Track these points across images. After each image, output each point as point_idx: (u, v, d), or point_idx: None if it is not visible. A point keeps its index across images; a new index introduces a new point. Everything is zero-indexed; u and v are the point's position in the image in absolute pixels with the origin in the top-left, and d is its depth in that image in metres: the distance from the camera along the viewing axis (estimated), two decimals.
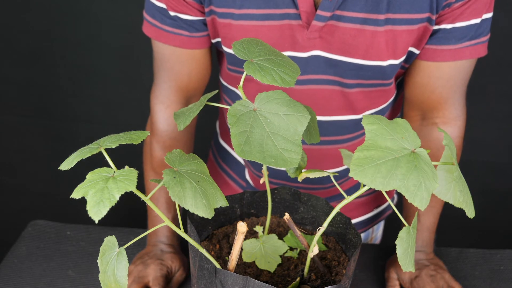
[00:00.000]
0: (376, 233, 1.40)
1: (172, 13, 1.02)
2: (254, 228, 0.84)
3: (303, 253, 0.84)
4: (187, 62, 1.08)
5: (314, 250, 0.74)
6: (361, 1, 0.94)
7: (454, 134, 1.10)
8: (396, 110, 1.22)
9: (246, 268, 0.81)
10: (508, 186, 2.06)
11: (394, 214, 1.39)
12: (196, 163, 0.69)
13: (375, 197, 1.30)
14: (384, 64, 1.00)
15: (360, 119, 1.05)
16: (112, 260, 0.65)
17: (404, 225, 0.67)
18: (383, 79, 1.04)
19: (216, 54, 1.18)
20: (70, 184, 0.80)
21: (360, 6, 0.95)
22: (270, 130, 0.67)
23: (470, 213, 0.68)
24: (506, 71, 1.84)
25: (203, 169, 0.69)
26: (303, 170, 0.81)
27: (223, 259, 0.82)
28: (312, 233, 0.90)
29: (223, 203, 0.68)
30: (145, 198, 0.65)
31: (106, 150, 0.65)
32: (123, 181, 0.61)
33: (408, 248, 0.66)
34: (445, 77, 1.04)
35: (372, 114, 1.09)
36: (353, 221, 1.28)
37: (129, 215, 1.71)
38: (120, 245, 0.66)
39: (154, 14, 1.04)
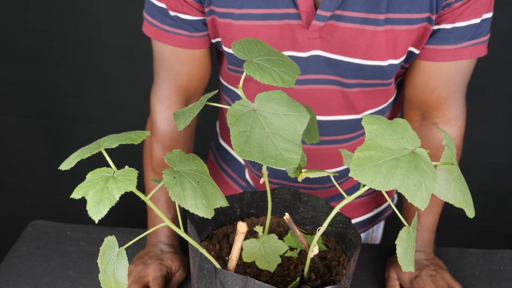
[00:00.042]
0: (376, 233, 1.40)
1: (172, 13, 1.02)
2: (254, 228, 0.84)
3: (303, 253, 0.84)
4: (187, 62, 1.08)
5: (314, 250, 0.74)
6: (361, 1, 0.94)
7: (454, 134, 1.10)
8: (396, 110, 1.22)
9: (246, 268, 0.81)
10: (508, 186, 2.06)
11: (394, 214, 1.39)
12: (196, 163, 0.69)
13: (375, 197, 1.30)
14: (384, 64, 1.00)
15: (360, 119, 1.05)
16: (112, 260, 0.65)
17: (404, 225, 0.67)
18: (383, 79, 1.04)
19: (216, 54, 1.18)
20: (70, 184, 0.80)
21: (360, 6, 0.95)
22: (270, 130, 0.67)
23: (470, 213, 0.68)
24: (506, 71, 1.84)
25: (203, 169, 0.69)
26: (303, 170, 0.81)
27: (223, 259, 0.82)
28: (312, 233, 0.90)
29: (223, 203, 0.68)
30: (145, 198, 0.65)
31: (106, 150, 0.65)
32: (123, 181, 0.61)
33: (408, 248, 0.66)
34: (445, 77, 1.04)
35: (372, 114, 1.09)
36: (353, 221, 1.28)
37: (129, 215, 1.71)
38: (120, 245, 0.66)
39: (154, 14, 1.04)
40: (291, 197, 0.90)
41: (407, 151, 0.62)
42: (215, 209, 0.67)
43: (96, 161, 0.73)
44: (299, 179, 0.80)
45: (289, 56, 1.00)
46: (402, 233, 0.66)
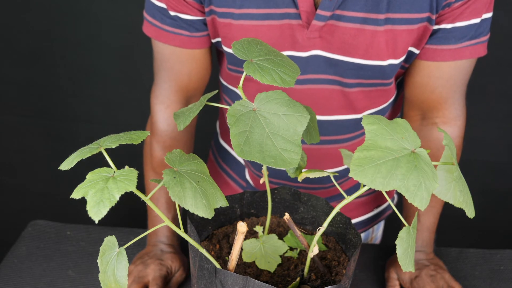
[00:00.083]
0: (376, 233, 1.40)
1: (172, 13, 1.02)
2: (254, 228, 0.84)
3: (303, 253, 0.84)
4: (187, 62, 1.08)
5: (314, 250, 0.74)
6: (361, 1, 0.94)
7: (454, 134, 1.10)
8: (396, 110, 1.22)
9: (246, 268, 0.81)
10: (508, 186, 2.06)
11: (394, 214, 1.39)
12: (196, 163, 0.69)
13: (375, 197, 1.30)
14: (384, 63, 1.00)
15: (360, 119, 1.05)
16: (112, 260, 0.65)
17: (404, 225, 0.67)
18: (383, 78, 1.04)
19: (216, 54, 1.18)
20: (70, 184, 0.80)
21: (360, 6, 0.95)
22: (270, 130, 0.67)
23: (470, 213, 0.68)
24: (506, 71, 1.84)
25: (203, 169, 0.69)
26: (303, 170, 0.81)
27: (223, 259, 0.82)
28: (312, 233, 0.90)
29: (223, 203, 0.68)
30: (145, 198, 0.65)
31: (106, 150, 0.65)
32: (123, 181, 0.61)
33: (408, 248, 0.66)
34: (445, 77, 1.04)
35: (372, 114, 1.09)
36: (353, 221, 1.28)
37: (129, 215, 1.71)
38: (120, 245, 0.66)
39: (154, 14, 1.04)
40: (291, 197, 0.90)
41: (407, 151, 0.62)
42: (215, 209, 0.67)
43: (96, 161, 0.73)
44: (299, 179, 0.80)
45: (289, 56, 1.00)
46: (402, 233, 0.66)
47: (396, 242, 0.66)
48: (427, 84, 1.06)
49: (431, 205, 1.12)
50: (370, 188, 1.12)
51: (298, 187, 1.17)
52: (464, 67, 1.04)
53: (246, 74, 0.68)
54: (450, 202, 0.70)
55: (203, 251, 0.72)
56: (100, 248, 0.67)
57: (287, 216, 0.76)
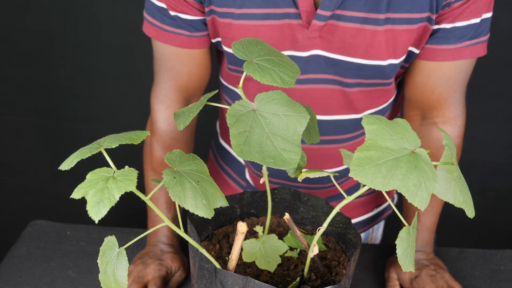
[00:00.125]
0: (376, 233, 1.40)
1: (172, 13, 1.02)
2: (254, 228, 0.84)
3: (303, 253, 0.84)
4: (187, 62, 1.08)
5: (314, 250, 0.74)
6: (361, 1, 0.94)
7: (454, 133, 1.10)
8: (396, 110, 1.22)
9: (246, 268, 0.81)
10: (508, 186, 2.06)
11: (394, 214, 1.39)
12: (196, 163, 0.69)
13: (375, 197, 1.30)
14: (384, 63, 1.00)
15: (360, 119, 1.05)
16: (112, 260, 0.65)
17: (404, 225, 0.67)
18: (383, 78, 1.04)
19: (216, 54, 1.18)
20: (70, 184, 0.80)
21: (360, 6, 0.95)
22: (270, 131, 0.67)
23: (470, 213, 0.68)
24: (506, 71, 1.84)
25: (203, 169, 0.69)
26: (303, 170, 0.81)
27: (223, 259, 0.82)
28: (312, 233, 0.90)
29: (223, 203, 0.68)
30: (145, 198, 0.65)
31: (106, 150, 0.65)
32: (123, 181, 0.61)
33: (408, 248, 0.66)
34: (445, 76, 1.04)
35: (372, 114, 1.09)
36: (353, 221, 1.28)
37: (129, 215, 1.71)
38: (120, 245, 0.66)
39: (154, 13, 1.04)
40: (291, 197, 0.90)
41: (407, 151, 0.62)
42: (215, 209, 0.67)
43: (96, 161, 0.73)
44: (299, 179, 0.80)
45: (289, 55, 1.00)
46: (402, 233, 0.66)
47: (396, 242, 0.66)
48: (427, 84, 1.06)
49: (431, 205, 1.12)
50: (370, 188, 1.12)
51: (298, 187, 1.17)
52: (464, 67, 1.04)
53: (246, 74, 0.68)
54: (450, 202, 0.70)
55: (203, 251, 0.72)
56: (100, 248, 0.67)
57: (287, 216, 0.76)
